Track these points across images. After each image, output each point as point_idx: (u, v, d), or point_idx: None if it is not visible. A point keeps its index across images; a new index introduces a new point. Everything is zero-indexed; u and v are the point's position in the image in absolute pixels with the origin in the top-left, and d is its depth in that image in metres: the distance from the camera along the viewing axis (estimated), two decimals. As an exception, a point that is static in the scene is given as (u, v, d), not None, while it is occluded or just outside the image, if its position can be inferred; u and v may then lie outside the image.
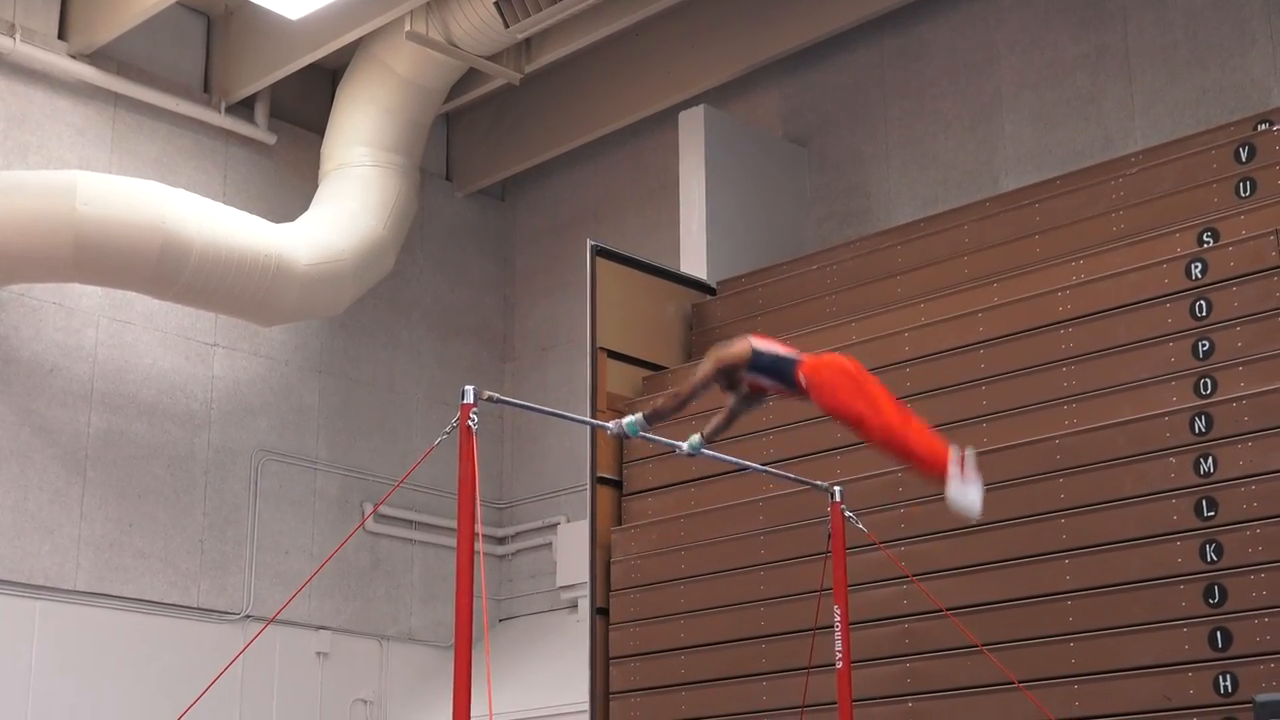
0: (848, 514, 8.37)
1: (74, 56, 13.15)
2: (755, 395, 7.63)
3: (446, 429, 6.67)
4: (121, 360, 13.15)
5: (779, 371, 7.40)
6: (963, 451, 7.20)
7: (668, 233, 13.93)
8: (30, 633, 12.28)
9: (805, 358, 7.44)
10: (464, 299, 15.72)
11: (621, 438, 7.83)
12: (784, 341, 7.71)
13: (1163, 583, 8.88)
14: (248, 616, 13.43)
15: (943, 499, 9.84)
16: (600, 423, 7.95)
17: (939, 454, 7.25)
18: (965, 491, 7.24)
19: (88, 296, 13.01)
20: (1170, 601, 8.82)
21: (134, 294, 12.82)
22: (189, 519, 13.32)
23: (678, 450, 7.86)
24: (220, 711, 12.63)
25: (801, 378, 7.36)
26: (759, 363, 7.38)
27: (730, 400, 7.62)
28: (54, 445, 12.65)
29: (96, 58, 13.25)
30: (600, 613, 11.43)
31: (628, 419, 7.49)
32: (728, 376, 7.45)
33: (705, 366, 7.40)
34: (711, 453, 8.05)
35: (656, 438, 8.01)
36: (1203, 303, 9.36)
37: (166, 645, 12.95)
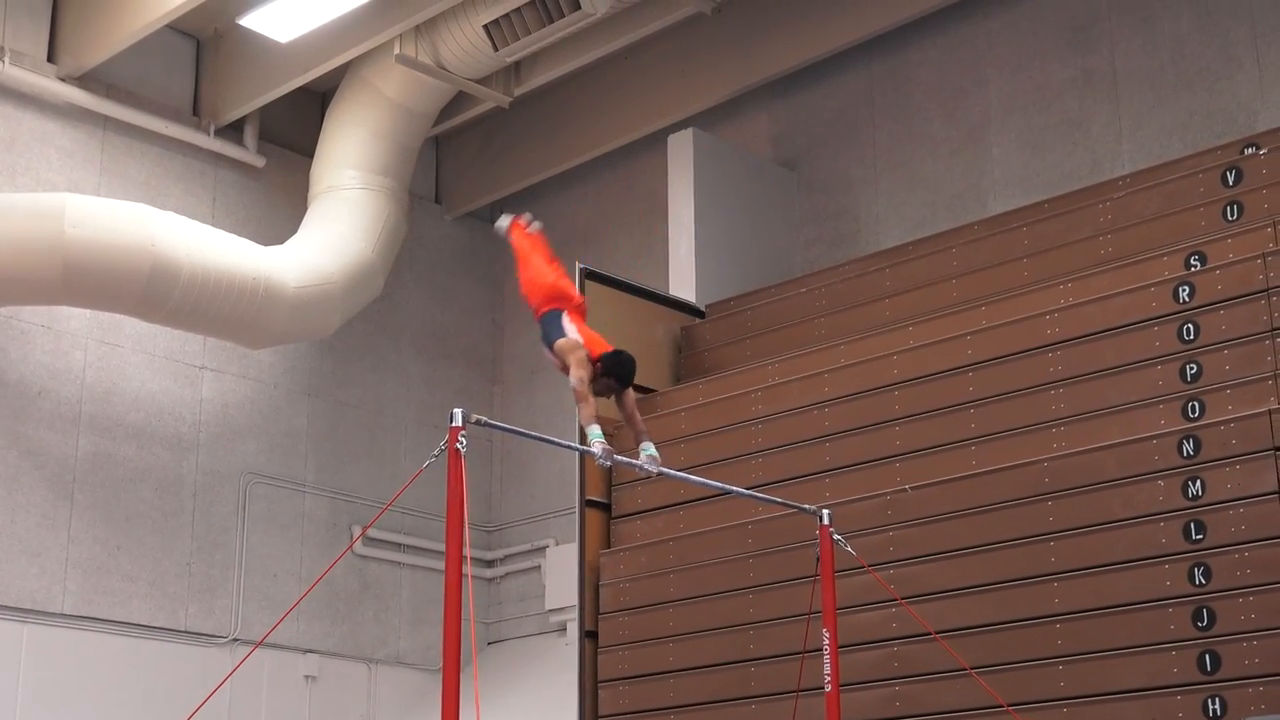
0: (836, 537, 8.37)
1: (63, 79, 13.16)
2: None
3: (435, 452, 6.67)
4: (110, 383, 13.13)
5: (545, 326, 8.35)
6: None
7: (657, 255, 13.95)
8: (17, 656, 12.24)
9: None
10: (453, 322, 15.72)
11: (604, 463, 7.95)
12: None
13: (1151, 605, 8.88)
14: (235, 640, 13.40)
15: (932, 522, 9.89)
16: (586, 448, 7.94)
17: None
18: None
19: (76, 319, 13.00)
20: (1159, 624, 8.82)
21: (122, 316, 12.81)
22: (177, 542, 13.29)
23: (641, 469, 8.04)
24: (208, 735, 12.60)
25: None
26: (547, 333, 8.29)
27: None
28: (42, 468, 12.63)
29: (86, 80, 13.27)
30: (589, 636, 11.41)
31: (594, 441, 7.82)
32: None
33: (581, 373, 7.99)
34: (701, 479, 8.08)
35: (628, 460, 8.07)
36: (1190, 326, 9.37)
37: (154, 669, 12.91)
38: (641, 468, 8.01)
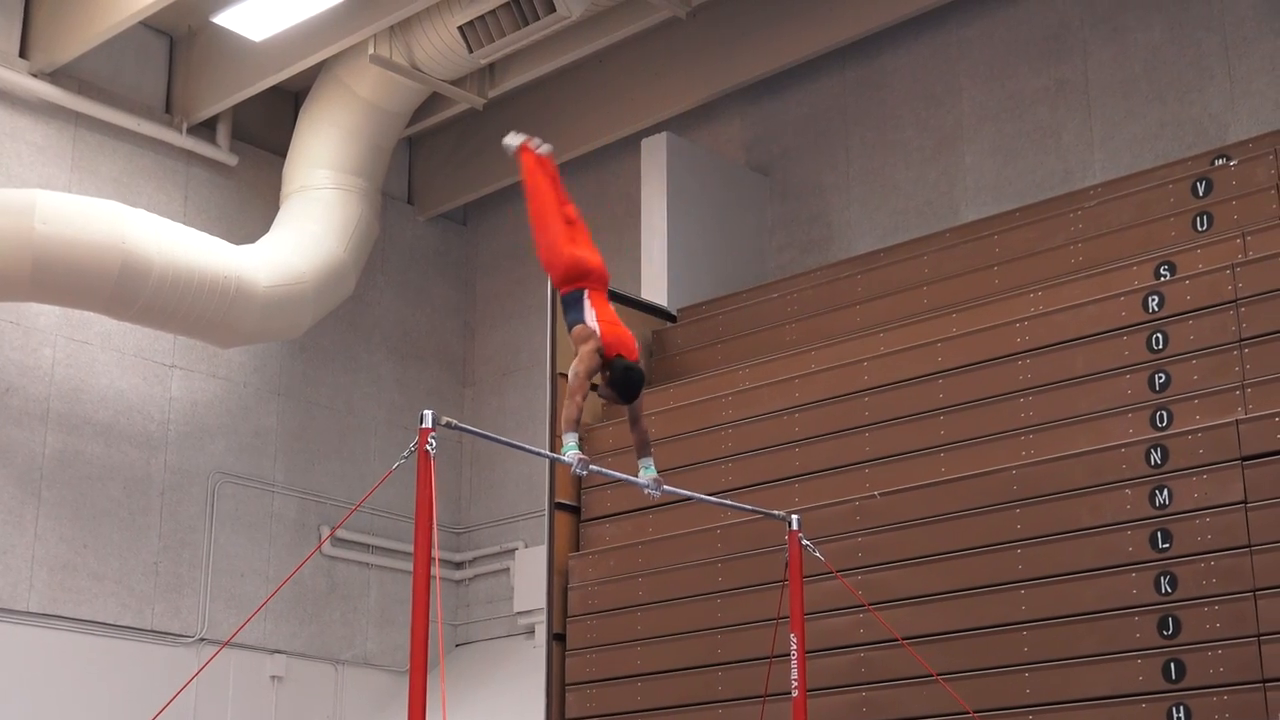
0: (805, 542, 8.37)
1: (35, 75, 13.10)
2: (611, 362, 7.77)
3: (405, 453, 6.66)
4: (78, 380, 13.08)
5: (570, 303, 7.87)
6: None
7: (629, 259, 13.94)
8: (-18, 654, 12.19)
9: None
10: (424, 323, 15.70)
11: (579, 472, 7.83)
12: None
13: (1117, 614, 8.92)
14: (202, 640, 13.35)
15: (900, 528, 9.90)
16: (558, 456, 7.91)
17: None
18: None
19: (45, 316, 12.94)
20: (1125, 633, 8.86)
21: (92, 314, 12.76)
22: (144, 541, 13.24)
23: (646, 490, 7.90)
24: (173, 735, 12.55)
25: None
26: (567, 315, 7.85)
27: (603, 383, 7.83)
28: (8, 465, 12.56)
29: (58, 76, 13.21)
30: (557, 638, 11.41)
31: (568, 453, 7.62)
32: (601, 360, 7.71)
33: (581, 367, 7.66)
34: (671, 488, 8.06)
35: (611, 472, 8.09)
36: (1159, 335, 9.41)
37: (120, 668, 12.86)
38: (646, 489, 7.85)
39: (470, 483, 15.53)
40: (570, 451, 7.61)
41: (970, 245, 11.37)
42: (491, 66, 13.94)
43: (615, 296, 12.49)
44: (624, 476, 8.08)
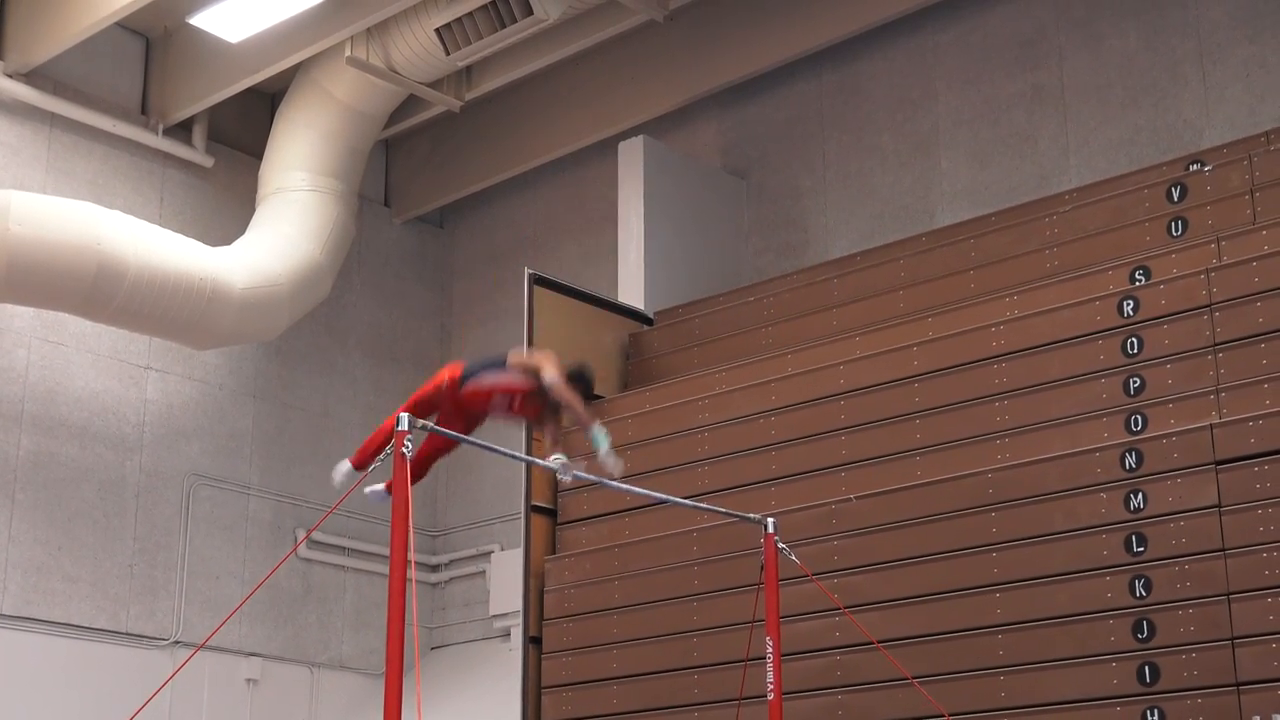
0: (781, 546, 8.39)
1: (10, 75, 13.05)
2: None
3: (381, 456, 6.66)
4: (53, 382, 13.04)
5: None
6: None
7: (606, 262, 13.95)
8: (-45, 657, 12.14)
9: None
10: (400, 326, 15.67)
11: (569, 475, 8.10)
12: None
13: (1092, 617, 8.95)
14: (177, 642, 13.31)
15: (876, 532, 9.93)
16: (533, 458, 8.00)
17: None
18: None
19: (19, 317, 12.89)
20: (1099, 636, 8.89)
21: (67, 315, 12.72)
22: (119, 543, 13.20)
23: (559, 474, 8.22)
24: (147, 738, 12.50)
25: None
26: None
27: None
28: (-18, 467, 12.53)
29: (33, 77, 13.17)
30: (533, 641, 11.41)
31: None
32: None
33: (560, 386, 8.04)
34: (643, 490, 8.12)
35: (586, 475, 8.17)
36: (1134, 340, 9.45)
37: (94, 671, 12.81)
38: (602, 466, 8.15)
39: (446, 486, 15.50)
40: (603, 442, 8.05)
41: (946, 249, 11.39)
42: (469, 69, 13.94)
43: (592, 299, 12.62)
44: (603, 480, 8.12)
